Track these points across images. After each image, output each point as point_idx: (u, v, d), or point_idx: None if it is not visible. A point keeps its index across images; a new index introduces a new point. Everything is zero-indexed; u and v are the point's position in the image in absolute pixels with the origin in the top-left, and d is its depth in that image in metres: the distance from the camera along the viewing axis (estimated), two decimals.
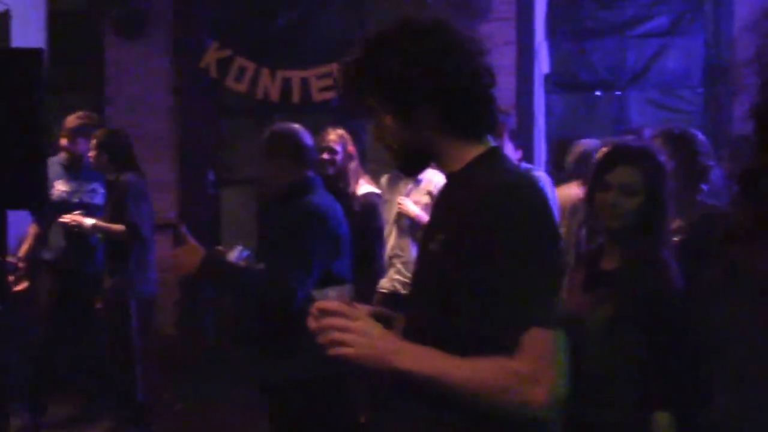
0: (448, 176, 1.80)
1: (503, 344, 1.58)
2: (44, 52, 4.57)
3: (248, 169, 6.54)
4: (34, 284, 5.14)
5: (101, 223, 4.81)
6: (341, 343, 1.59)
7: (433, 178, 4.54)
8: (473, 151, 1.76)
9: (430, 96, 1.70)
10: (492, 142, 1.79)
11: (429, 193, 4.58)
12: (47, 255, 5.11)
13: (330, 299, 1.68)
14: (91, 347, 5.28)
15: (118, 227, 4.77)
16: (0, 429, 4.48)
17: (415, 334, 1.71)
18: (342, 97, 1.72)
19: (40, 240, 5.16)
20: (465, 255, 1.62)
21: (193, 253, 2.94)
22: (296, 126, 3.33)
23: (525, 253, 1.59)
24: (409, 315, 1.83)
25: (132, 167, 4.89)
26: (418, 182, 4.62)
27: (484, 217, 1.61)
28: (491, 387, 1.57)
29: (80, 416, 5.24)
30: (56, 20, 6.42)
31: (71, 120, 5.07)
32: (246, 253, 3.25)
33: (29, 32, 6.15)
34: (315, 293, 1.75)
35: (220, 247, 3.46)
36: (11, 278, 4.80)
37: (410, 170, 1.89)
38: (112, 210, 4.83)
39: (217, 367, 5.69)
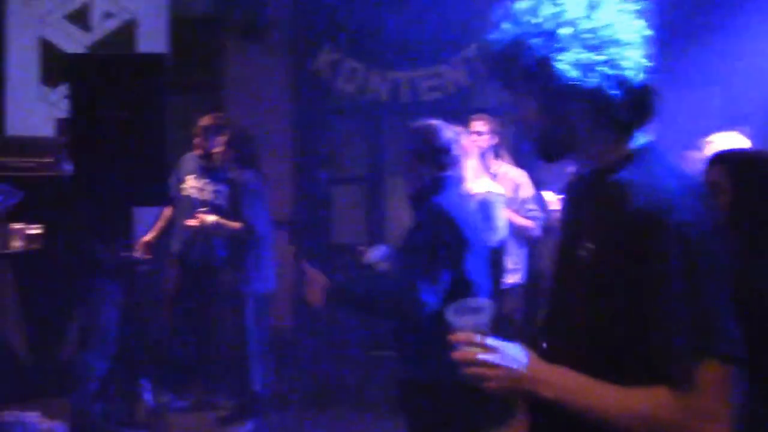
0: (591, 172, 1.63)
1: (671, 374, 1.41)
2: (167, 57, 4.84)
3: (358, 167, 6.68)
4: (159, 274, 5.41)
5: (222, 220, 5.04)
6: (482, 377, 1.52)
7: (509, 173, 4.60)
8: (624, 147, 1.58)
9: (579, 86, 1.53)
10: (645, 138, 1.60)
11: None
12: (174, 247, 5.36)
13: (467, 325, 1.58)
14: (210, 338, 5.53)
15: (236, 224, 4.99)
16: (130, 411, 4.77)
17: (560, 353, 1.58)
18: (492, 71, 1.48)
19: (167, 232, 5.43)
20: (624, 270, 1.45)
21: (317, 282, 2.97)
22: (436, 123, 3.13)
23: (702, 272, 1.41)
24: (552, 330, 1.67)
25: (253, 166, 5.10)
26: (494, 177, 4.75)
27: (648, 229, 1.43)
28: (657, 422, 1.42)
29: (200, 404, 5.47)
30: (178, 26, 6.72)
31: (205, 119, 5.30)
32: (385, 252, 3.27)
33: (153, 39, 6.47)
34: (451, 313, 1.63)
35: (361, 247, 3.46)
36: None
37: (548, 157, 1.68)
38: (231, 207, 5.08)
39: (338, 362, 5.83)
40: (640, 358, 1.44)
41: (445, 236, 2.92)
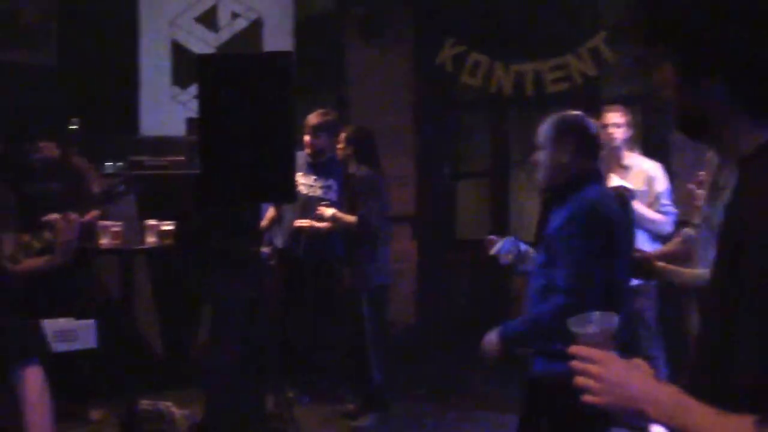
0: (738, 163, 1.50)
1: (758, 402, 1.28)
2: (293, 55, 4.90)
3: (482, 162, 6.61)
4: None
5: (338, 213, 5.09)
6: (591, 391, 1.48)
7: (642, 165, 4.44)
8: (759, 137, 1.45)
9: (723, 61, 1.44)
10: None
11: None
12: (279, 242, 5.43)
13: (589, 338, 1.56)
14: (328, 333, 5.58)
15: (351, 219, 5.04)
16: (258, 404, 4.86)
17: (696, 371, 1.50)
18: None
19: (275, 227, 5.51)
20: (751, 275, 1.33)
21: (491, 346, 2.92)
22: (581, 114, 3.04)
23: None
24: (698, 340, 1.57)
25: (371, 162, 5.14)
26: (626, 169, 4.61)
27: None
28: None
29: (324, 398, 5.54)
30: (302, 25, 6.83)
31: (313, 117, 5.37)
32: (511, 244, 3.21)
33: (279, 38, 6.60)
34: (573, 323, 1.60)
35: (491, 237, 3.40)
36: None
37: (686, 133, 1.58)
38: (347, 202, 5.13)
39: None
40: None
41: (600, 232, 2.80)
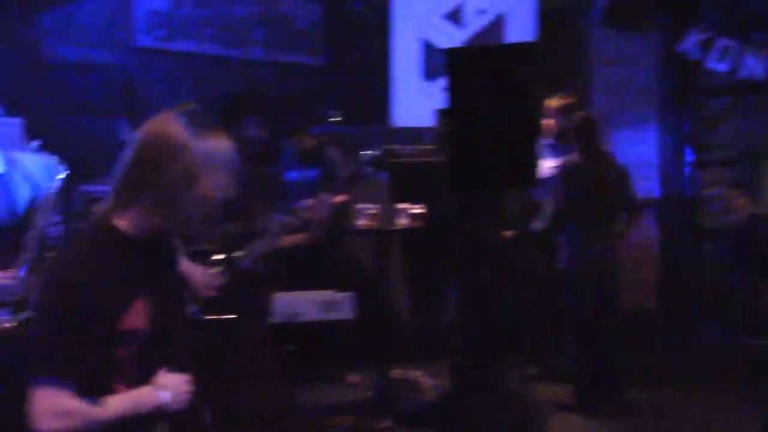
0: None
1: None
2: (536, 46, 5.06)
3: (729, 149, 6.43)
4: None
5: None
6: None
7: None
8: None
9: None
10: None
11: None
12: (538, 226, 5.59)
13: None
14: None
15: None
16: (501, 382, 5.05)
17: None
18: None
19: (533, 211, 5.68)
20: None
21: None
22: None
23: None
24: None
25: (587, 151, 5.13)
26: None
27: None
28: None
29: (548, 375, 5.65)
30: (544, 16, 6.94)
31: (554, 101, 5.46)
32: None
33: (521, 31, 6.78)
34: None
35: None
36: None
37: None
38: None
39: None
40: None
41: None
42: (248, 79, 6.28)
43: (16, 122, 5.69)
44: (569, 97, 5.46)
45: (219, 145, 1.90)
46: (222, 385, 3.48)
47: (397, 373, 5.19)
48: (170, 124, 1.85)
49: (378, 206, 5.15)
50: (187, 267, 3.52)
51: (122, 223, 1.88)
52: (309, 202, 3.80)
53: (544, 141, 5.44)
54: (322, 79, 6.72)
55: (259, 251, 3.71)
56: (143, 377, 1.93)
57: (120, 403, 1.86)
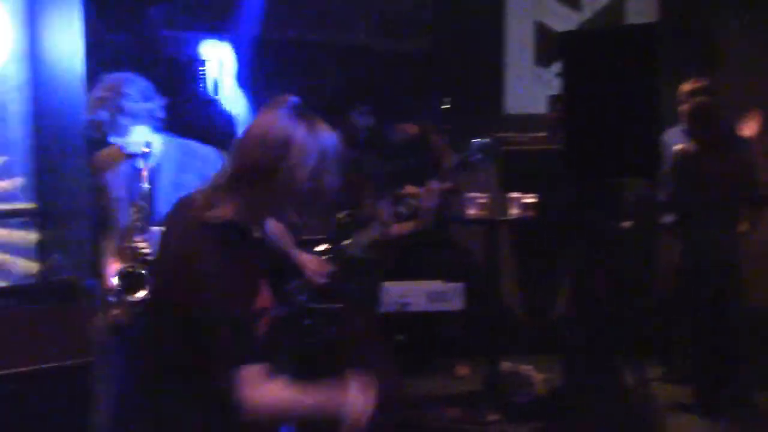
0: None
1: None
2: (657, 27, 4.84)
3: None
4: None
5: None
6: None
7: None
8: None
9: None
10: None
11: None
12: (668, 219, 5.35)
13: None
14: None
15: None
16: (615, 378, 4.89)
17: None
18: None
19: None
20: None
21: None
22: None
23: None
24: None
25: (703, 138, 4.85)
26: None
27: None
28: None
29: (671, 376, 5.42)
30: None
31: (686, 86, 5.19)
32: None
33: (643, 12, 6.50)
34: None
35: None
36: None
37: None
38: None
39: None
40: None
41: None
42: (354, 67, 6.26)
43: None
44: (699, 81, 5.20)
45: (321, 134, 1.94)
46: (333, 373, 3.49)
47: (506, 366, 5.11)
48: (273, 117, 1.92)
49: (488, 195, 5.08)
50: (299, 255, 3.55)
51: (228, 211, 1.91)
52: (416, 190, 3.74)
53: (680, 127, 5.18)
54: (430, 65, 6.62)
55: (367, 240, 3.69)
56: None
57: (316, 397, 1.94)
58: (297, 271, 3.60)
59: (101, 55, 4.21)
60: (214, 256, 1.86)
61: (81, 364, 4.39)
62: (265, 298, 2.01)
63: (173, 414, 1.97)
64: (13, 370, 3.91)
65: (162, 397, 2.00)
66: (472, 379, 5.35)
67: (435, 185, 3.74)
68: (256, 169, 1.89)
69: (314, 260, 3.60)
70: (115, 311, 3.12)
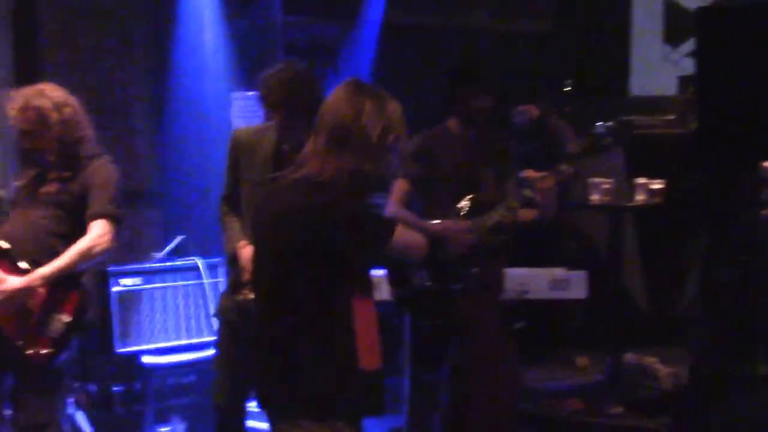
0: None
1: None
2: None
3: None
4: None
5: None
6: None
7: None
8: None
9: None
10: None
11: None
12: None
13: None
14: None
15: None
16: (744, 372, 4.68)
17: None
18: None
19: None
20: None
21: None
22: None
23: None
24: None
25: None
26: None
27: None
28: None
29: None
30: None
31: None
32: None
33: None
34: None
35: None
36: None
37: None
38: None
39: None
40: None
41: None
42: (475, 50, 6.16)
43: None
44: None
45: (390, 104, 2.26)
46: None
47: (629, 357, 4.93)
48: (348, 90, 2.25)
49: (613, 181, 4.91)
50: (433, 225, 3.48)
51: (321, 171, 2.21)
52: (538, 174, 3.62)
53: None
54: (552, 46, 6.45)
55: (489, 224, 3.60)
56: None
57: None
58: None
59: None
60: (351, 201, 2.20)
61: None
62: None
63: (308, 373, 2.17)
64: None
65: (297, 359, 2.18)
66: (592, 370, 5.19)
67: (557, 170, 3.60)
68: (337, 135, 2.20)
69: (456, 226, 3.50)
70: (245, 292, 3.18)
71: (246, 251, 3.19)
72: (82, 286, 3.24)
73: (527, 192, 3.61)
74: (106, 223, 3.19)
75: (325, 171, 2.20)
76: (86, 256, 3.15)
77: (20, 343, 3.07)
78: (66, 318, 3.11)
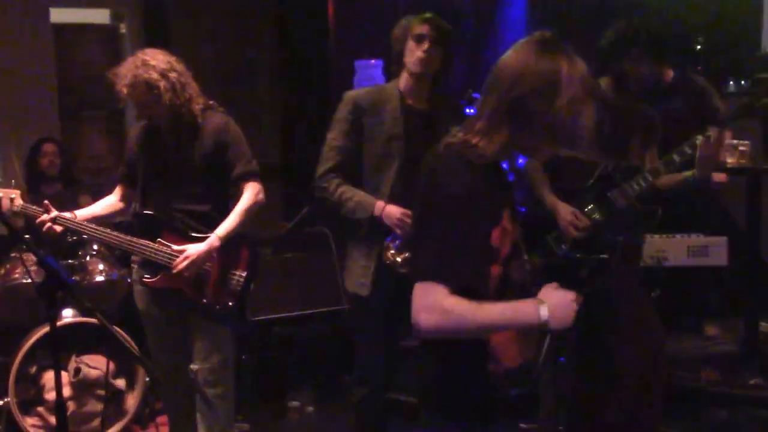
0: None
1: None
2: None
3: None
4: None
5: None
6: None
7: None
8: None
9: None
10: None
11: None
12: None
13: None
14: None
15: None
16: None
17: None
18: None
19: None
20: None
21: None
22: None
23: None
24: None
25: None
26: None
27: None
28: None
29: None
30: None
31: None
32: None
33: None
34: None
35: None
36: None
37: None
38: None
39: None
40: None
41: None
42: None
43: (379, 64, 5.89)
44: None
45: (580, 67, 1.90)
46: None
47: (765, 327, 4.73)
48: (531, 52, 1.89)
49: (750, 143, 4.67)
50: (555, 202, 3.41)
51: (483, 144, 1.91)
52: (692, 139, 3.45)
53: None
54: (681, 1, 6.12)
55: (637, 189, 3.47)
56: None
57: (497, 309, 1.88)
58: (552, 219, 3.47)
59: None
60: (452, 180, 1.89)
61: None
62: (504, 237, 1.96)
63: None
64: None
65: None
66: (724, 339, 5.00)
67: (713, 132, 3.42)
68: (522, 108, 1.87)
69: (570, 211, 3.45)
70: (392, 252, 3.21)
71: (392, 208, 3.21)
72: (250, 242, 3.39)
73: (681, 155, 3.46)
74: (255, 182, 3.34)
75: (489, 147, 1.91)
76: (251, 213, 3.31)
77: (204, 302, 3.28)
78: (242, 272, 3.32)
